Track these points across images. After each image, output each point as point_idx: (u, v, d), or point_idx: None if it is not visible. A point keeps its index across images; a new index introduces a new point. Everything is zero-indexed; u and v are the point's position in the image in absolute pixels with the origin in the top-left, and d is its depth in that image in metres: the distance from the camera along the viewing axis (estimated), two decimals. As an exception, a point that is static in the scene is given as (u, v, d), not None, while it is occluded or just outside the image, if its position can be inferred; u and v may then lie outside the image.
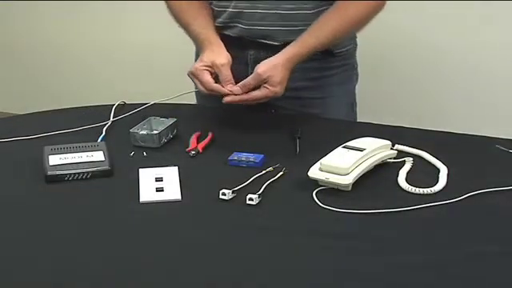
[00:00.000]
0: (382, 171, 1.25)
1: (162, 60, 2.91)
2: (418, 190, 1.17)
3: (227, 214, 1.12)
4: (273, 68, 1.37)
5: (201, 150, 1.35)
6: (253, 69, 1.56)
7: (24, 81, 3.30)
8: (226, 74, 1.39)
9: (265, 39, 1.51)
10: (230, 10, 1.50)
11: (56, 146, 1.31)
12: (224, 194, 1.15)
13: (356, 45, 1.63)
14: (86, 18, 3.01)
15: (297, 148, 1.33)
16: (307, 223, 1.09)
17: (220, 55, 1.41)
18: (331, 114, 1.58)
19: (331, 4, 1.46)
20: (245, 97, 1.37)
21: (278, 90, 1.37)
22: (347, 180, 1.16)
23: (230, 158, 1.30)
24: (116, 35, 2.99)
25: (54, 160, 1.26)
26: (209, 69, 1.40)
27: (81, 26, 3.04)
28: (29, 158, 1.31)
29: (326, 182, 1.17)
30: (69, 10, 3.00)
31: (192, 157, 1.34)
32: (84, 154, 1.28)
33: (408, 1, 2.31)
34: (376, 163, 1.24)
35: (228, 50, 1.43)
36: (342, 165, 1.17)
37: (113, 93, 2.05)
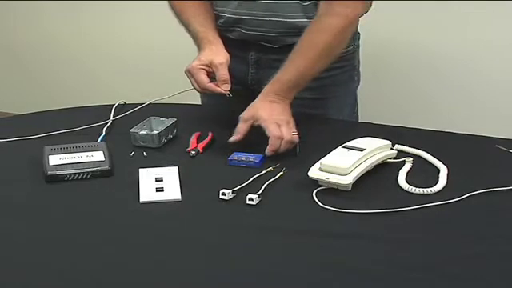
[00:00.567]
0: (382, 171, 1.25)
1: (162, 60, 2.91)
2: (418, 189, 1.17)
3: (227, 214, 1.12)
4: (252, 108, 1.36)
5: (201, 150, 1.35)
6: (253, 69, 1.57)
7: (24, 81, 3.30)
8: (223, 73, 1.39)
9: (265, 42, 1.52)
10: (230, 15, 1.50)
11: (56, 146, 1.31)
12: (224, 194, 1.15)
13: (357, 46, 1.62)
14: (85, 18, 3.01)
15: (297, 148, 1.33)
16: (307, 223, 1.09)
17: (218, 54, 1.41)
18: (333, 115, 1.58)
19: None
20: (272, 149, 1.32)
21: (272, 121, 1.32)
22: (347, 180, 1.16)
23: (229, 158, 1.30)
24: (116, 35, 2.99)
25: (54, 160, 1.25)
26: (205, 68, 1.40)
27: (81, 26, 3.04)
28: (29, 157, 1.31)
29: (326, 182, 1.17)
30: (69, 10, 3.00)
31: (192, 157, 1.34)
32: (84, 154, 1.28)
33: (410, 1, 2.32)
34: (376, 163, 1.24)
35: (229, 50, 1.43)
36: (341, 165, 1.17)
37: (113, 93, 2.05)
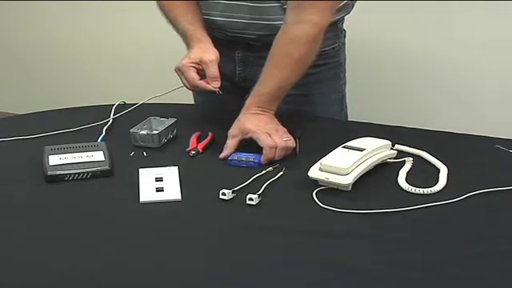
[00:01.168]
0: (382, 171, 1.25)
1: (162, 60, 2.90)
2: (418, 189, 1.17)
3: (227, 214, 1.12)
4: (238, 122, 1.35)
5: (201, 150, 1.35)
6: (240, 67, 1.57)
7: (24, 81, 3.30)
8: (213, 70, 1.40)
9: (251, 41, 1.53)
10: (215, 18, 1.50)
11: (56, 146, 1.31)
12: (224, 194, 1.15)
13: (343, 44, 1.62)
14: (85, 18, 3.01)
15: (297, 148, 1.33)
16: (307, 223, 1.09)
17: (208, 52, 1.42)
18: (320, 112, 1.58)
19: None
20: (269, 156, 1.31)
21: (261, 131, 1.32)
22: (347, 180, 1.16)
23: (229, 158, 1.30)
24: (116, 35, 2.99)
25: (53, 160, 1.26)
26: (195, 66, 1.41)
27: (81, 26, 3.04)
28: (29, 157, 1.31)
29: (326, 182, 1.17)
30: (69, 10, 3.00)
31: (192, 157, 1.34)
32: (84, 154, 1.28)
33: (405, 1, 2.32)
34: (376, 163, 1.24)
35: (216, 48, 1.44)
36: (341, 165, 1.17)
37: (113, 93, 2.05)
